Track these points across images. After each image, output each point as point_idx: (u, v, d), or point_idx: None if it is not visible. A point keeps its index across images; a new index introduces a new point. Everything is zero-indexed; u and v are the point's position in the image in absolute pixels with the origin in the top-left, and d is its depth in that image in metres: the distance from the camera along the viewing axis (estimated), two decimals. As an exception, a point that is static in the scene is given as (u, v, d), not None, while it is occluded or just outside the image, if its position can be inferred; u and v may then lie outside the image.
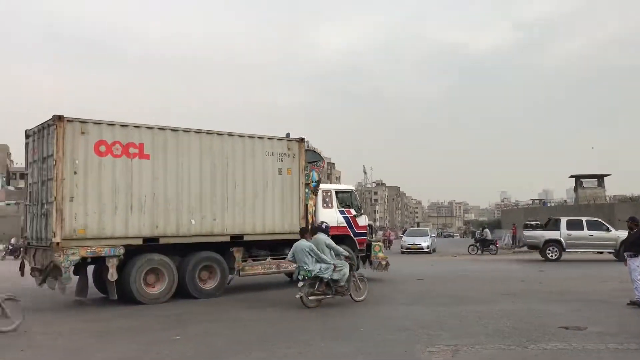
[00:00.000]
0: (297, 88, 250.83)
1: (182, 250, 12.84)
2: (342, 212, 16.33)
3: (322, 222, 14.99)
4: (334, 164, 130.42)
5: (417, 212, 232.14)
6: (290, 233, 14.01)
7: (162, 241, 12.37)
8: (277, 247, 14.36)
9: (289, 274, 15.79)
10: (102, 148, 11.74)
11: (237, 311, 11.04)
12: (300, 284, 11.18)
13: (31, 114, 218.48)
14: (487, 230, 34.68)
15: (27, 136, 12.99)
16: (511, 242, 38.81)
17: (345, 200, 16.71)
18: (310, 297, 11.18)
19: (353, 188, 17.58)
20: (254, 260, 13.99)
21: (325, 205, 16.09)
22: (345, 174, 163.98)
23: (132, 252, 12.02)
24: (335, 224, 15.78)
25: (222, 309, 11.38)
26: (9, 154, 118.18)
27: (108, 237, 11.66)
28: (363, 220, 16.75)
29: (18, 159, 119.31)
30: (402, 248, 33.94)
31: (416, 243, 33.74)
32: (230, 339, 8.34)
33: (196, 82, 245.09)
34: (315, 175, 15.27)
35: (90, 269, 12.87)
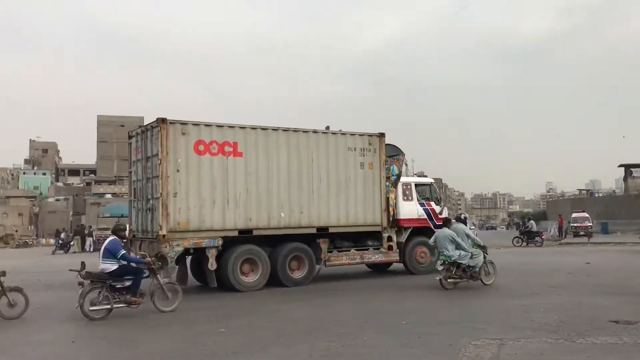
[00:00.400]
0: (339, 79, 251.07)
1: (272, 242, 13.66)
2: (422, 205, 16.57)
3: (461, 214, 16.37)
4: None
5: (460, 204, 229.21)
6: (372, 225, 14.94)
7: (255, 233, 13.28)
8: (359, 238, 15.05)
9: (370, 265, 16.63)
10: (201, 147, 12.74)
11: (281, 304, 11.14)
12: (440, 268, 12.39)
13: (74, 112, 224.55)
14: (532, 221, 33.95)
15: (130, 137, 14.27)
16: (557, 233, 37.95)
17: (424, 192, 16.95)
18: (449, 280, 12.32)
19: (432, 181, 17.69)
20: (339, 251, 14.62)
21: (405, 197, 16.34)
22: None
23: (228, 243, 12.90)
24: (415, 217, 16.22)
25: (265, 301, 11.50)
26: (57, 151, 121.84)
27: (207, 230, 12.63)
28: (443, 213, 16.97)
29: (66, 157, 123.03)
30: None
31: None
32: (273, 331, 8.42)
33: (238, 77, 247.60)
34: (395, 169, 15.77)
35: (186, 259, 13.66)
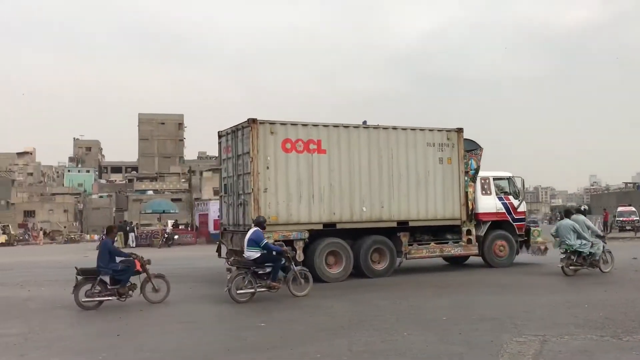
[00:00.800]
0: (376, 73, 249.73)
1: (354, 235, 14.19)
2: (500, 199, 16.71)
3: (581, 206, 17.31)
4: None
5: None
6: (451, 219, 15.33)
7: (338, 226, 13.95)
8: (438, 232, 15.50)
9: (447, 259, 17.01)
10: (288, 145, 13.52)
11: (321, 299, 11.16)
12: (562, 256, 13.46)
13: (116, 110, 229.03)
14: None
15: (219, 136, 15.08)
16: (602, 228, 36.97)
17: (502, 186, 17.05)
18: (570, 267, 13.29)
19: (511, 175, 17.65)
20: (419, 244, 15.05)
21: (483, 192, 16.52)
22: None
23: (314, 236, 13.62)
24: (494, 210, 16.44)
25: (317, 296, 11.54)
26: (100, 149, 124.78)
27: (295, 223, 13.43)
28: (521, 206, 17.10)
29: (108, 154, 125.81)
30: None
31: None
32: (313, 325, 8.46)
33: (274, 72, 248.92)
34: (473, 163, 16.01)
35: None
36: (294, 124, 13.71)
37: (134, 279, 10.73)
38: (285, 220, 13.32)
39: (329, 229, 13.85)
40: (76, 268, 10.57)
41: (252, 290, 10.64)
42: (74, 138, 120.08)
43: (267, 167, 13.19)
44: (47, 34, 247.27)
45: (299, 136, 13.66)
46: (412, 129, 15.07)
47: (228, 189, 14.66)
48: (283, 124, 13.59)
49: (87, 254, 28.24)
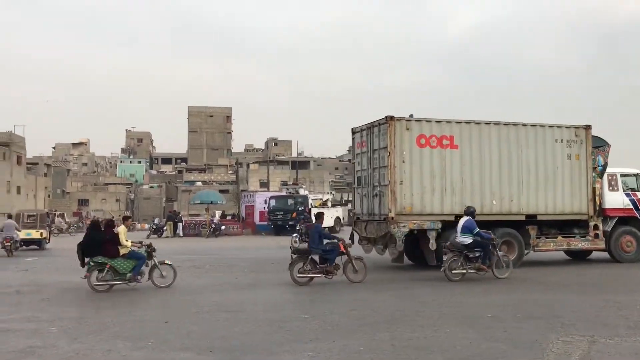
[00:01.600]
0: (424, 67, 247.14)
1: (483, 227, 14.45)
2: (627, 195, 16.76)
3: None
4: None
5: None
6: (578, 214, 15.77)
7: None
8: (565, 226, 15.90)
9: (570, 253, 17.31)
10: (422, 141, 14.45)
11: (365, 292, 11.20)
12: None
13: (166, 102, 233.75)
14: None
15: (353, 132, 16.25)
16: None
17: (630, 183, 17.09)
18: None
19: (638, 171, 17.61)
20: (546, 237, 15.57)
21: (610, 188, 16.65)
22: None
23: (445, 227, 14.34)
24: (621, 206, 16.54)
25: (349, 289, 11.59)
26: (151, 141, 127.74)
27: (428, 214, 14.37)
28: None
29: (159, 145, 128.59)
30: None
31: None
32: (355, 319, 8.50)
33: (320, 66, 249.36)
34: (600, 160, 16.32)
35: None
36: (428, 121, 14.66)
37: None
38: (419, 211, 14.28)
39: None
40: (290, 248, 12.79)
41: (464, 271, 12.27)
42: (126, 130, 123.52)
43: (403, 161, 14.17)
44: (101, 28, 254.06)
45: (433, 132, 14.54)
46: (541, 126, 15.59)
47: (362, 181, 15.76)
48: (418, 120, 14.61)
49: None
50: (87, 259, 11.47)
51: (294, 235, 23.28)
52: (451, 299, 10.34)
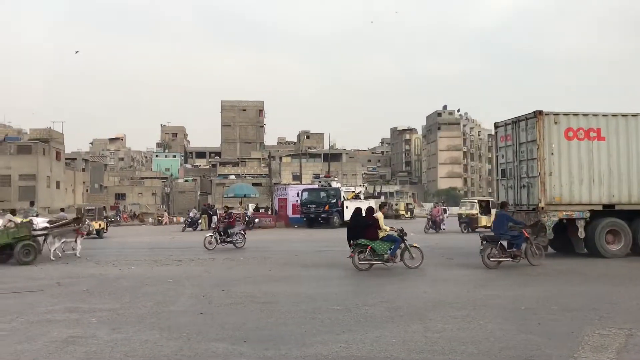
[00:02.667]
0: (455, 56, 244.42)
1: (630, 216, 15.46)
2: None
3: None
4: (495, 135, 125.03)
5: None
6: None
7: (617, 207, 15.48)
8: None
9: None
10: (570, 134, 15.24)
11: (398, 283, 11.19)
12: None
13: (198, 97, 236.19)
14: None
15: (496, 127, 17.27)
16: None
17: None
18: None
19: None
20: None
21: None
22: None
23: (593, 216, 15.17)
24: None
25: (384, 280, 11.61)
26: (186, 135, 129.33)
27: (576, 204, 15.15)
28: None
29: (193, 140, 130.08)
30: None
31: None
32: (389, 310, 8.49)
33: (350, 58, 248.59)
34: None
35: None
36: (575, 114, 15.35)
37: None
38: (567, 201, 15.09)
39: (608, 210, 15.38)
40: (480, 236, 13.90)
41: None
42: (161, 124, 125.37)
43: (552, 154, 15.01)
44: (136, 24, 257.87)
45: (580, 125, 15.25)
46: None
47: (507, 173, 16.61)
48: (565, 114, 15.28)
49: (174, 236, 29.56)
50: (352, 242, 13.26)
51: (208, 235, 20.45)
52: (485, 291, 10.25)
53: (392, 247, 13.11)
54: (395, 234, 13.34)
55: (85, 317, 8.30)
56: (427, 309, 8.56)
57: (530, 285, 10.88)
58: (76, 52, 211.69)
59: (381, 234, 13.14)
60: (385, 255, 12.98)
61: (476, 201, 31.86)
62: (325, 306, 8.93)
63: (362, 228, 13.29)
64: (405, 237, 13.37)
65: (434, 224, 30.01)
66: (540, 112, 15.08)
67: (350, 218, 14.52)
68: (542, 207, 14.93)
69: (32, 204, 29.86)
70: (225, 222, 20.70)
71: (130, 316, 8.38)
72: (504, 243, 13.39)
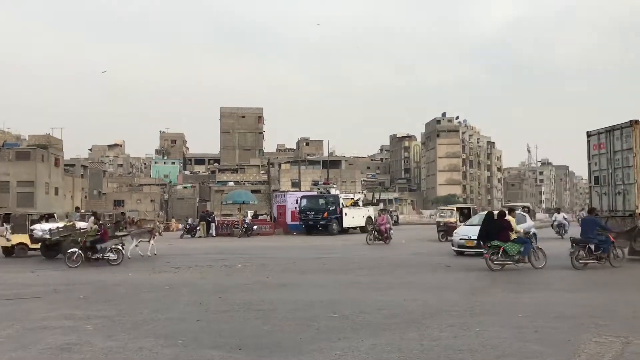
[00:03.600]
0: (452, 65, 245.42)
1: None
2: None
3: None
4: (494, 143, 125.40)
5: (587, 194, 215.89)
6: None
7: None
8: None
9: None
10: None
11: (396, 290, 11.17)
12: None
13: (197, 104, 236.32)
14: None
15: (589, 135, 17.80)
16: None
17: None
18: None
19: None
20: None
21: None
22: (507, 153, 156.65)
23: None
24: None
25: (380, 288, 11.57)
26: (185, 142, 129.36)
27: None
28: None
29: (192, 146, 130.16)
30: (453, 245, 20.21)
31: (472, 237, 17.79)
32: (385, 317, 8.47)
33: (348, 65, 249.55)
34: None
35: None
36: None
37: None
38: None
39: None
40: (570, 239, 14.78)
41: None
42: (160, 131, 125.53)
43: None
44: (134, 31, 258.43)
45: None
46: None
47: (600, 180, 17.22)
48: None
49: (171, 242, 29.51)
50: (485, 243, 14.16)
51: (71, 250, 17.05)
52: (482, 298, 10.24)
53: (523, 248, 13.98)
54: (526, 237, 14.50)
55: (81, 324, 8.28)
56: (423, 316, 8.54)
57: (528, 292, 10.85)
58: (103, 71, 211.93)
59: (513, 236, 14.00)
60: (516, 256, 13.89)
61: (454, 209, 31.06)
62: (322, 313, 8.90)
63: (495, 230, 14.13)
64: (533, 239, 14.70)
65: (379, 234, 25.99)
66: (637, 122, 15.73)
67: (483, 221, 15.17)
68: (639, 213, 15.55)
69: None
70: (99, 235, 17.49)
71: (126, 323, 8.35)
72: (592, 246, 14.04)
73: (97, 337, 7.41)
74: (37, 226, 19.82)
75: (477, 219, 19.84)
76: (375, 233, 26.25)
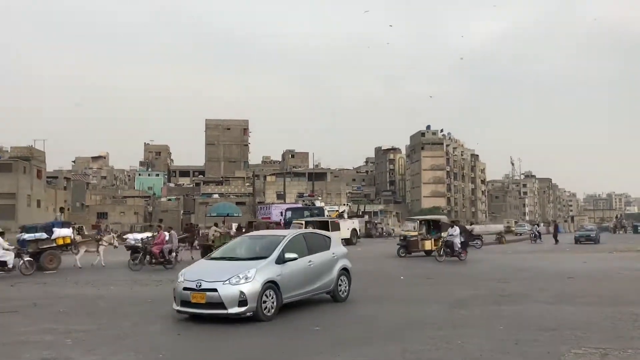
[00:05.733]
0: (438, 78, 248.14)
1: None
2: None
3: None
4: (477, 155, 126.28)
5: (571, 206, 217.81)
6: None
7: None
8: None
9: None
10: None
11: (378, 303, 11.18)
12: None
13: (182, 117, 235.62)
14: None
15: None
16: None
17: None
18: None
19: None
20: None
21: None
22: (490, 165, 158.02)
23: None
24: None
25: (359, 302, 11.58)
26: (169, 154, 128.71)
27: None
28: None
29: (177, 159, 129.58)
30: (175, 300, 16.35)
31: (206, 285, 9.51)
32: (367, 330, 8.48)
33: (335, 77, 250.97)
34: None
35: None
36: None
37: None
38: None
39: None
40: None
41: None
42: (145, 143, 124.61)
43: None
44: (121, 43, 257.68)
45: None
46: None
47: None
48: None
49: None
50: None
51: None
52: (464, 310, 10.29)
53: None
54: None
55: (60, 339, 8.18)
56: (405, 329, 8.56)
57: (509, 305, 10.92)
58: (76, 104, 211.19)
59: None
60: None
61: (418, 221, 27.78)
62: (304, 326, 8.89)
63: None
64: None
65: (449, 249, 22.54)
66: None
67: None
68: None
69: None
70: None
71: (106, 337, 8.27)
72: None
73: (77, 351, 7.33)
74: (130, 235, 24.69)
75: (241, 244, 11.29)
76: (447, 249, 22.19)
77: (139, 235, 23.61)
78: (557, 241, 37.23)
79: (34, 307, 11.42)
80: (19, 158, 62.81)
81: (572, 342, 7.48)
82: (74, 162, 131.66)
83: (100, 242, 22.79)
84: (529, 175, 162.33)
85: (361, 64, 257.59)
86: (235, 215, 44.02)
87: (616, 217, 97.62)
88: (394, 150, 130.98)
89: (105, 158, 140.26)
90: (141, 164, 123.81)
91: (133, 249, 21.99)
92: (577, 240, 38.36)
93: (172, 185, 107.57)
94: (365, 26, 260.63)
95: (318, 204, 40.64)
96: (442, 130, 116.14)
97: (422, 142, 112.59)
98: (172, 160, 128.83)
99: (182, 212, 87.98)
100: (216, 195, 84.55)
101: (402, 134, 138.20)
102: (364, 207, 65.45)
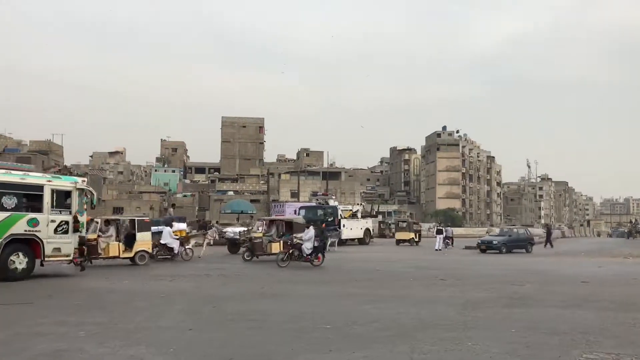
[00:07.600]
0: (452, 79, 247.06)
1: None
2: None
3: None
4: (493, 157, 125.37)
5: (587, 209, 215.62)
6: None
7: None
8: None
9: None
10: None
11: (388, 302, 11.17)
12: None
13: (200, 113, 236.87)
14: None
15: None
16: None
17: None
18: None
19: None
20: None
21: None
22: (506, 167, 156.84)
23: None
24: None
25: (372, 300, 11.57)
26: (185, 150, 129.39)
27: None
28: None
29: (193, 155, 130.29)
30: None
31: None
32: (377, 329, 8.48)
33: (348, 79, 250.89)
34: None
35: None
36: None
37: None
38: None
39: None
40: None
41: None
42: (161, 139, 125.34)
43: None
44: (138, 40, 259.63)
45: None
46: None
47: None
48: None
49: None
50: None
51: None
52: (475, 312, 10.24)
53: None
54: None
55: (73, 331, 8.28)
56: (416, 330, 8.54)
57: (520, 308, 10.85)
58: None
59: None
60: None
61: (265, 221, 25.61)
62: (314, 324, 8.90)
63: None
64: None
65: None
66: None
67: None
68: None
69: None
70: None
71: (118, 331, 8.35)
72: None
73: (89, 344, 7.41)
74: (229, 229, 28.06)
75: None
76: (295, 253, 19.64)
77: (237, 229, 27.18)
78: (551, 245, 36.92)
79: (49, 300, 11.55)
80: (38, 152, 63.54)
81: (584, 346, 7.42)
82: (91, 157, 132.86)
83: (205, 236, 26.50)
84: (545, 178, 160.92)
85: (378, 65, 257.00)
86: (249, 212, 44.21)
87: (631, 222, 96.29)
88: (409, 150, 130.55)
89: (122, 154, 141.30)
90: (157, 160, 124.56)
91: (232, 242, 25.61)
92: (479, 248, 31.17)
93: (187, 181, 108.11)
94: (381, 27, 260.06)
95: (332, 202, 40.53)
96: (458, 132, 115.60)
97: (437, 142, 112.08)
98: (188, 156, 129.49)
99: (197, 208, 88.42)
100: (231, 193, 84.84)
101: (418, 135, 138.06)
102: (378, 207, 65.29)
